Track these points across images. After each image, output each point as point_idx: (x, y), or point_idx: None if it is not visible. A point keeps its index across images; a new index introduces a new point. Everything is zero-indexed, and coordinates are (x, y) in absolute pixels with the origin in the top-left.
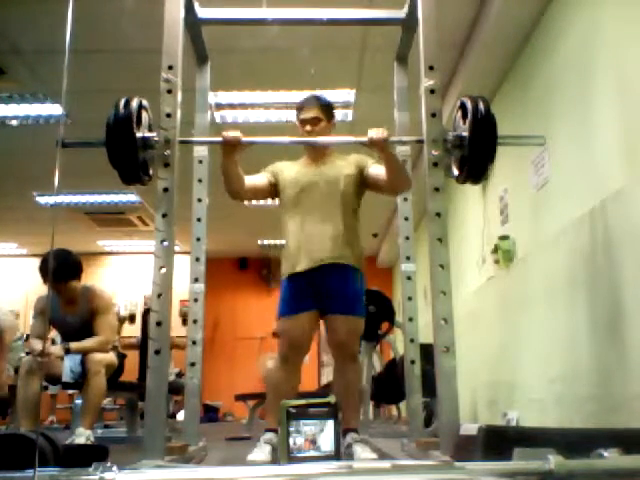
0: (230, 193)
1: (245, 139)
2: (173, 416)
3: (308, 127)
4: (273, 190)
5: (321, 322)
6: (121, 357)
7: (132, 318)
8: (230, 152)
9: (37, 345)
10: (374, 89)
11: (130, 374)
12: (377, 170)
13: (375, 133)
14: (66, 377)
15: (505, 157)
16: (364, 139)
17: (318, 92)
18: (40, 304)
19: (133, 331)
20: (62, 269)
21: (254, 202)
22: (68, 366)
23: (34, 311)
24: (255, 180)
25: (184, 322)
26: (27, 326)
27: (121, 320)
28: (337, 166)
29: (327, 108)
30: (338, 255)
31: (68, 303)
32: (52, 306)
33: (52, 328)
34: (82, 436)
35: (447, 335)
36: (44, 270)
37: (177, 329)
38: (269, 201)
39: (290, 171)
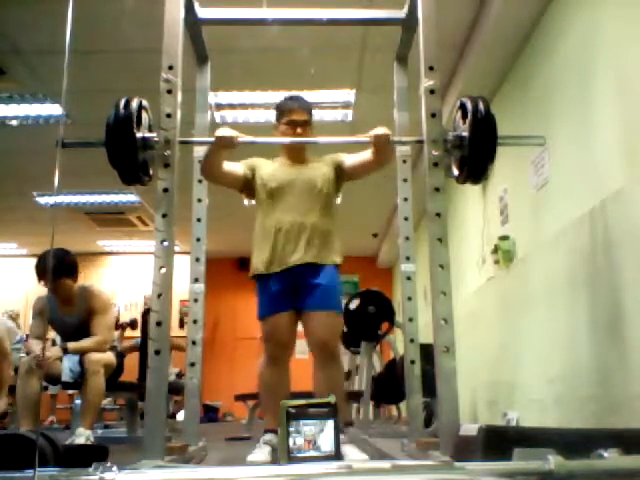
0: (206, 174)
1: (241, 139)
2: (173, 416)
3: (299, 130)
4: (245, 183)
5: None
6: (120, 357)
7: (133, 324)
8: (223, 148)
9: (36, 346)
10: (374, 89)
11: (130, 374)
12: (355, 158)
13: (379, 132)
14: (65, 377)
15: (505, 157)
16: (366, 140)
17: (308, 93)
18: (39, 304)
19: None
20: (56, 267)
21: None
22: (67, 366)
23: (33, 311)
24: (231, 167)
25: (181, 325)
26: (27, 326)
27: (123, 327)
28: (314, 166)
29: (311, 112)
30: (315, 255)
31: (65, 303)
32: (51, 306)
33: (52, 328)
34: (82, 436)
35: (447, 335)
36: (39, 268)
37: (174, 330)
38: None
39: (267, 168)
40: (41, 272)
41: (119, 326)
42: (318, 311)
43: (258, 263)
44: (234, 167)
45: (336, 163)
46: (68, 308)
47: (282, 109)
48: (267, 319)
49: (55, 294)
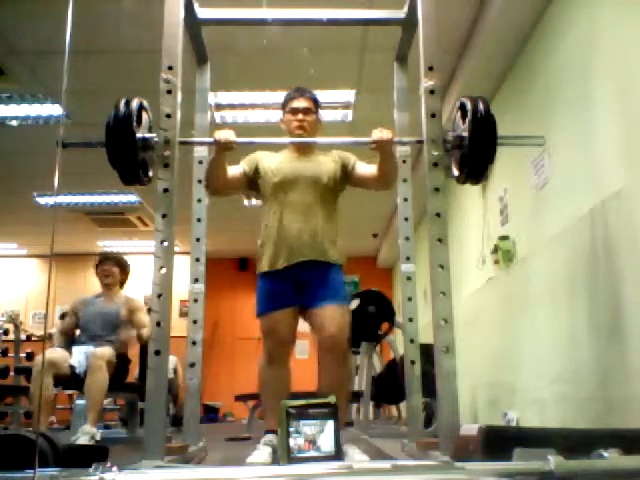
0: (211, 188)
1: (239, 140)
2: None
3: (300, 115)
4: (247, 180)
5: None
6: (125, 361)
7: None
8: (224, 150)
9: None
10: (374, 89)
11: (130, 374)
12: (365, 169)
13: (380, 135)
14: (76, 363)
15: (505, 157)
16: (368, 140)
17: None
18: (76, 304)
19: None
20: (125, 264)
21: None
22: (77, 358)
23: (69, 309)
24: (233, 172)
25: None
26: (27, 326)
27: None
28: (320, 161)
29: (316, 102)
30: (319, 252)
31: (107, 292)
32: (92, 302)
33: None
34: (87, 435)
35: (447, 335)
36: (105, 256)
37: (174, 319)
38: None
39: (271, 161)
40: (106, 259)
41: None
42: (327, 304)
43: (263, 260)
44: (234, 170)
45: (345, 163)
46: (108, 303)
47: (285, 100)
48: (266, 315)
49: (107, 277)
